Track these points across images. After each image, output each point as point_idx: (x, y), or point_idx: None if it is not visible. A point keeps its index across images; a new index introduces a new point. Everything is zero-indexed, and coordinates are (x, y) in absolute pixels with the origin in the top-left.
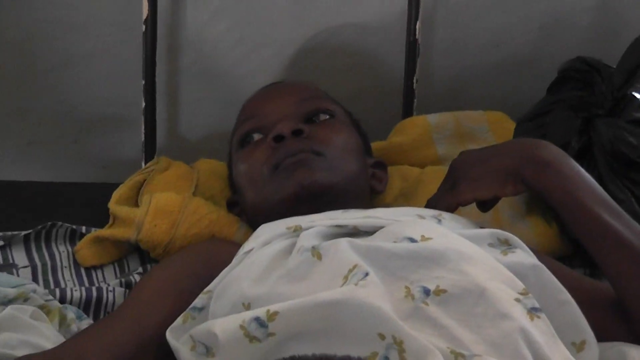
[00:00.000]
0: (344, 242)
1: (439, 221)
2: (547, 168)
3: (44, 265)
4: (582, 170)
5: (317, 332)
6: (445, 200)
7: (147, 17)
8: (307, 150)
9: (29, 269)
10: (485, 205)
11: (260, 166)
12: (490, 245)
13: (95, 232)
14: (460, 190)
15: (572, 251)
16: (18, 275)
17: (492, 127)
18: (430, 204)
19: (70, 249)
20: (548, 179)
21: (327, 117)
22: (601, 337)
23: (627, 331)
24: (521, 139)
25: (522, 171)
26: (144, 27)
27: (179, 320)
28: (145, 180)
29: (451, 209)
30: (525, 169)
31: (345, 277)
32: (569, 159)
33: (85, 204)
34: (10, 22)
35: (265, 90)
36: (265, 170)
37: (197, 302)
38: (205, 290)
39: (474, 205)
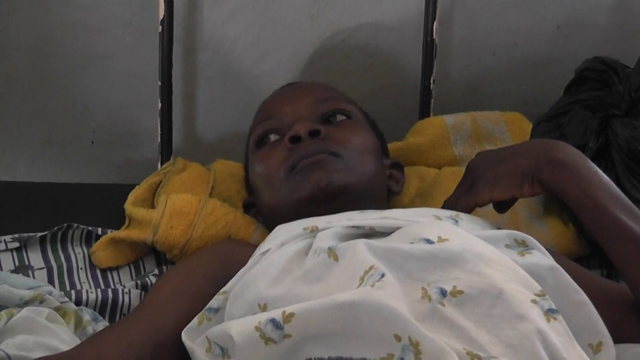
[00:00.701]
0: (360, 243)
1: (456, 222)
2: (565, 169)
3: (59, 267)
4: (600, 171)
5: (333, 333)
6: (462, 200)
7: (163, 17)
8: (324, 151)
9: (44, 271)
10: (502, 207)
11: (277, 167)
12: (507, 246)
13: (111, 233)
14: (478, 191)
15: (590, 252)
16: (34, 277)
17: (510, 128)
18: (447, 205)
19: (86, 251)
20: (565, 180)
21: (344, 117)
22: (618, 338)
23: None
24: (538, 139)
25: (539, 172)
26: (160, 28)
27: (195, 321)
28: (161, 181)
29: (468, 209)
30: (543, 170)
31: (362, 279)
32: (586, 159)
33: (101, 205)
34: (27, 24)
35: (282, 91)
36: (282, 172)
37: (213, 303)
38: (222, 291)
39: (490, 206)
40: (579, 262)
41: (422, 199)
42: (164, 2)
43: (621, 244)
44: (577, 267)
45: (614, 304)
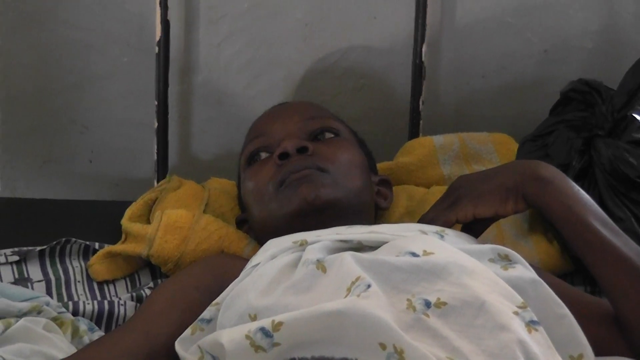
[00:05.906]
0: (347, 255)
1: (442, 237)
2: (549, 185)
3: (57, 279)
4: (581, 190)
5: (320, 341)
6: (443, 215)
7: (160, 39)
8: (312, 167)
9: (43, 283)
10: (473, 229)
11: (266, 183)
12: (491, 260)
13: (108, 247)
14: (461, 207)
15: (574, 269)
16: (33, 289)
17: (497, 149)
18: (425, 220)
19: (83, 264)
20: (550, 196)
21: (332, 135)
22: (599, 351)
23: (625, 346)
24: (521, 160)
25: (524, 188)
26: (156, 48)
27: (188, 331)
28: (157, 198)
29: (449, 224)
30: (528, 186)
31: (349, 289)
32: (567, 178)
33: (98, 221)
34: (27, 44)
35: (272, 110)
36: (271, 187)
37: (206, 313)
38: (214, 302)
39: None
40: (563, 278)
41: (410, 217)
42: (161, 23)
43: (603, 257)
44: (560, 282)
45: (595, 318)
